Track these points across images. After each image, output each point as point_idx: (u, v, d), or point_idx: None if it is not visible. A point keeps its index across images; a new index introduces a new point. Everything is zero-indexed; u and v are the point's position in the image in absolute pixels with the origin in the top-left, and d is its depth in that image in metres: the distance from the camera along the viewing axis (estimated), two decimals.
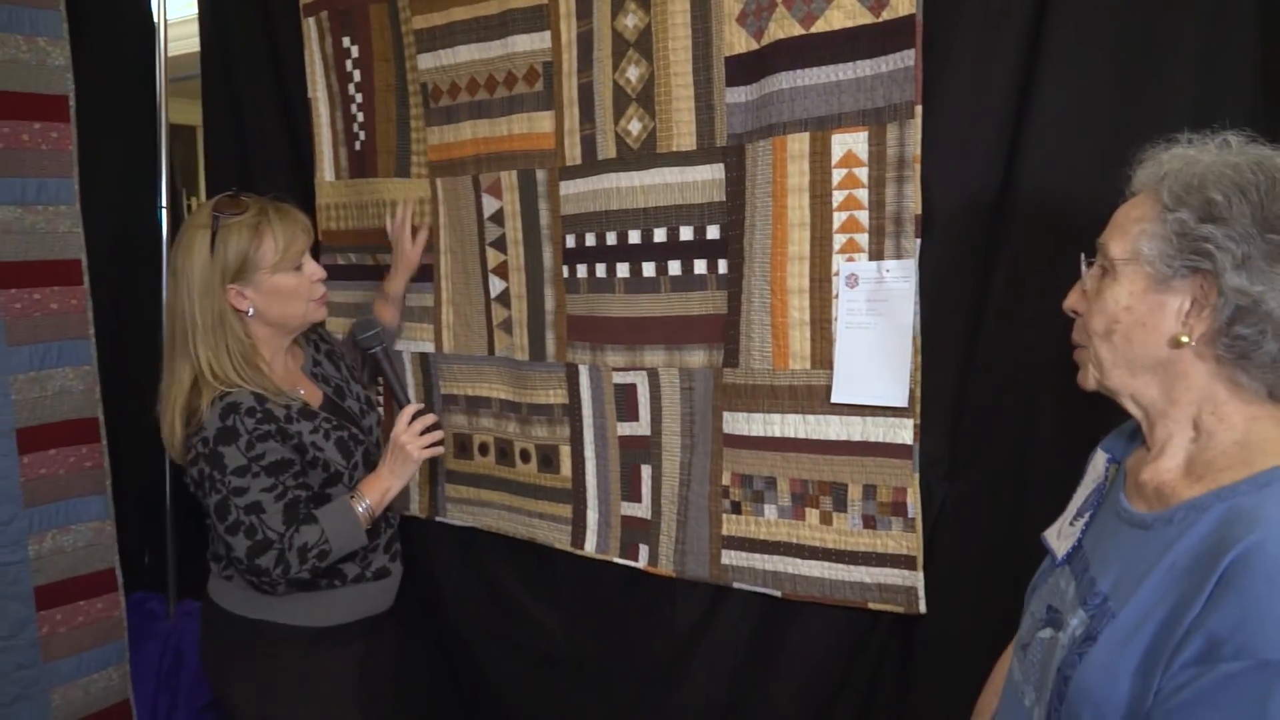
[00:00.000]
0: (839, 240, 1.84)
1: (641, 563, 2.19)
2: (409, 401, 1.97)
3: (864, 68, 1.76)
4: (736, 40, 1.90)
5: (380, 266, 2.54)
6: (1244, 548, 0.89)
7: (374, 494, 1.87)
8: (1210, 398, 1.03)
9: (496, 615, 2.51)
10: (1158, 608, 0.96)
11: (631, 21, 2.03)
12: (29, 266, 2.42)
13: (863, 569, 1.87)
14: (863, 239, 1.81)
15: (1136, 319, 1.05)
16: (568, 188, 2.20)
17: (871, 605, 1.88)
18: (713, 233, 2.00)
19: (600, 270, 2.17)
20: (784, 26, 1.82)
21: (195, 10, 2.88)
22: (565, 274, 2.24)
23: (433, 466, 2.56)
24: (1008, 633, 1.31)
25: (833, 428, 1.88)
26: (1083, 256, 1.15)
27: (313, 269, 1.90)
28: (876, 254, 1.80)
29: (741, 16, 1.89)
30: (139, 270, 2.83)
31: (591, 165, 2.14)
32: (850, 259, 1.83)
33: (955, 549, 1.81)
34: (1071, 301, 1.16)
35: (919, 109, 1.72)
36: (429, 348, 2.51)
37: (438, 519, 2.58)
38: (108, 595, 2.63)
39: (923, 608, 1.82)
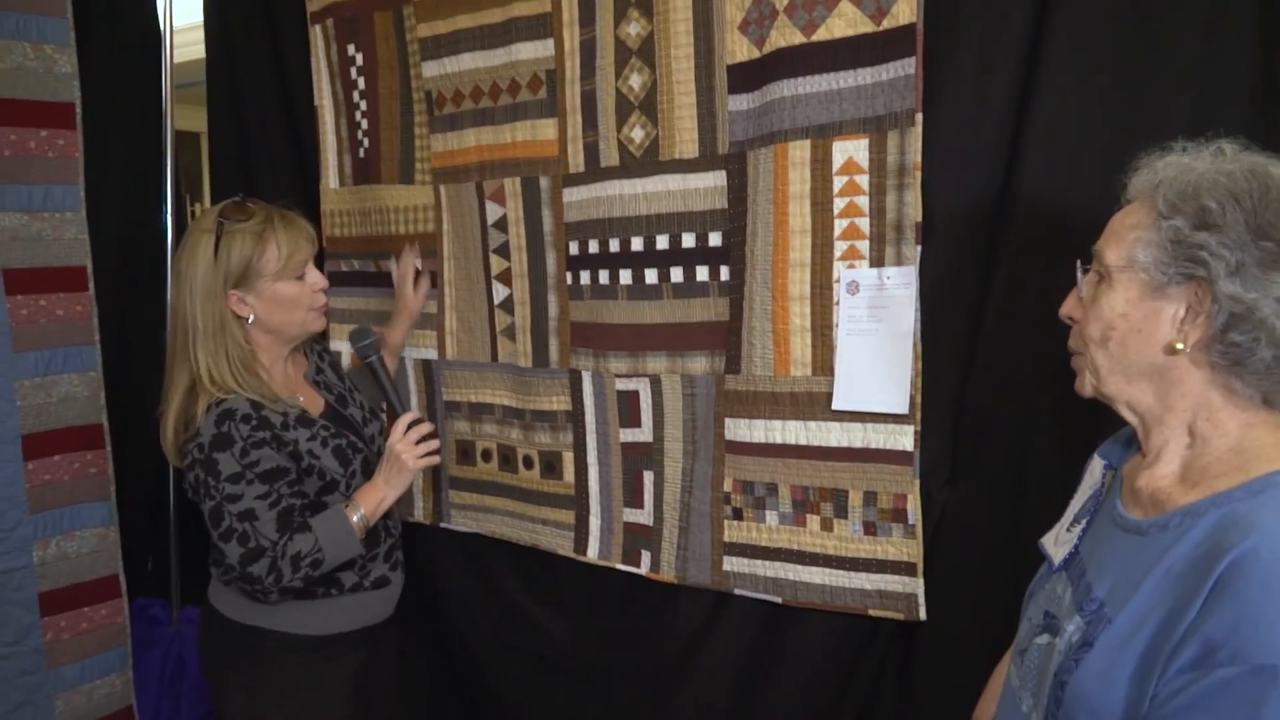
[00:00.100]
0: (840, 247, 1.84)
1: (644, 569, 2.20)
2: (405, 411, 1.95)
3: (865, 76, 1.77)
4: (738, 48, 1.91)
5: (383, 273, 2.55)
6: (1238, 553, 0.90)
7: (369, 503, 1.85)
8: (1205, 404, 1.04)
9: (499, 621, 2.52)
10: (1153, 613, 0.96)
11: (634, 30, 2.05)
12: (35, 273, 2.43)
13: (863, 575, 1.87)
14: (863, 246, 1.82)
15: (1132, 326, 1.06)
16: (571, 195, 2.21)
17: (872, 612, 1.88)
18: (715, 240, 2.01)
19: (603, 277, 2.18)
20: (785, 35, 1.83)
21: (201, 18, 2.90)
22: (568, 281, 2.24)
23: (436, 473, 2.57)
24: (1008, 638, 1.31)
25: (834, 434, 1.89)
26: (1079, 264, 1.16)
27: (315, 278, 1.90)
28: (877, 261, 1.81)
29: (743, 25, 1.90)
30: (144, 276, 2.84)
31: (594, 172, 2.15)
32: (851, 266, 1.83)
33: (956, 555, 1.81)
34: (1068, 308, 1.17)
35: (919, 117, 1.72)
36: (432, 354, 2.52)
37: (441, 525, 2.59)
38: (111, 601, 2.64)
39: (923, 614, 1.82)
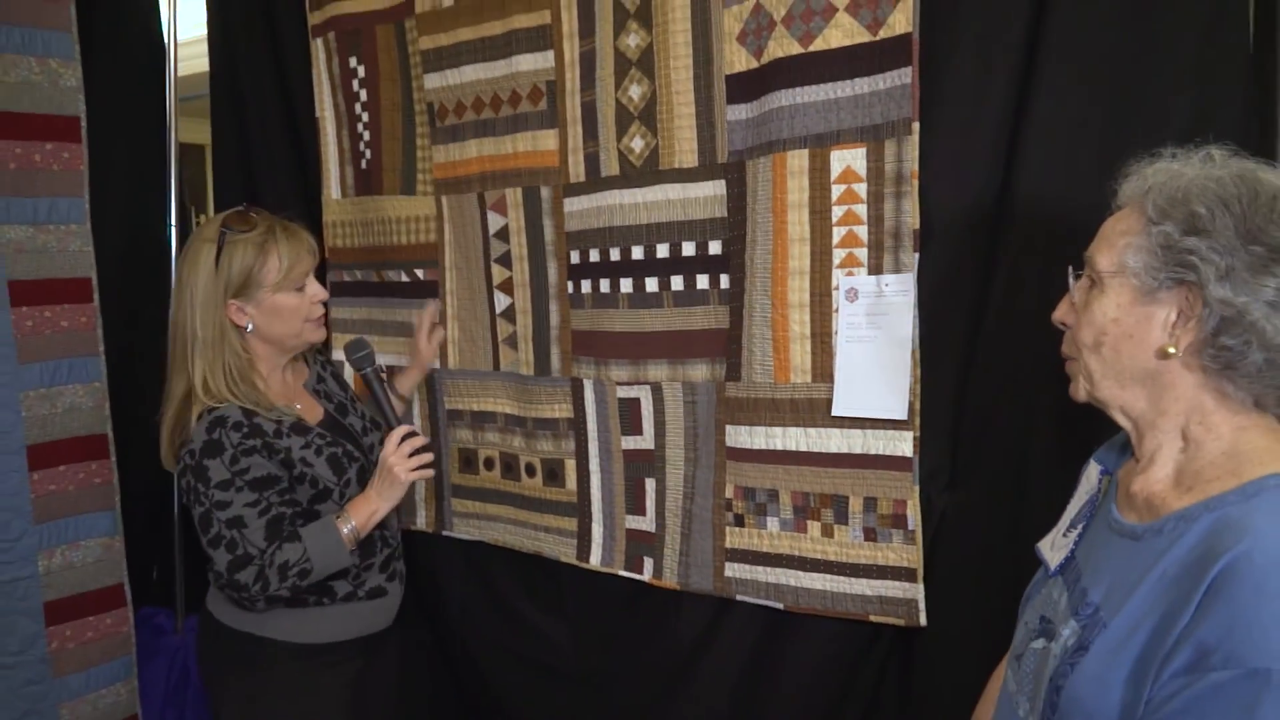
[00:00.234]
0: (838, 255, 1.85)
1: (646, 575, 2.20)
2: (399, 423, 1.94)
3: (862, 85, 1.78)
4: (737, 59, 1.93)
5: (385, 283, 2.56)
6: (1232, 557, 0.90)
7: (360, 515, 1.84)
8: (1198, 408, 1.04)
9: (502, 628, 2.52)
10: (1148, 617, 0.96)
11: (633, 41, 2.06)
12: (40, 285, 2.45)
13: (864, 581, 1.88)
14: (862, 253, 1.83)
15: (1124, 331, 1.06)
16: (571, 204, 2.22)
17: (873, 617, 1.88)
18: (714, 248, 2.02)
19: (604, 286, 2.19)
20: (783, 45, 1.84)
21: (205, 31, 2.92)
22: (569, 289, 2.26)
23: (438, 481, 2.57)
24: (1007, 642, 1.31)
25: (834, 441, 1.89)
26: (1070, 269, 1.17)
27: (315, 290, 1.90)
28: (875, 268, 1.82)
29: (741, 36, 1.91)
30: (148, 288, 2.84)
31: (595, 182, 2.17)
32: (850, 273, 1.84)
33: (955, 560, 1.82)
34: (1060, 314, 1.18)
35: (916, 125, 1.73)
36: (434, 363, 2.52)
37: (444, 533, 2.60)
38: (116, 610, 2.65)
39: (923, 620, 1.83)
